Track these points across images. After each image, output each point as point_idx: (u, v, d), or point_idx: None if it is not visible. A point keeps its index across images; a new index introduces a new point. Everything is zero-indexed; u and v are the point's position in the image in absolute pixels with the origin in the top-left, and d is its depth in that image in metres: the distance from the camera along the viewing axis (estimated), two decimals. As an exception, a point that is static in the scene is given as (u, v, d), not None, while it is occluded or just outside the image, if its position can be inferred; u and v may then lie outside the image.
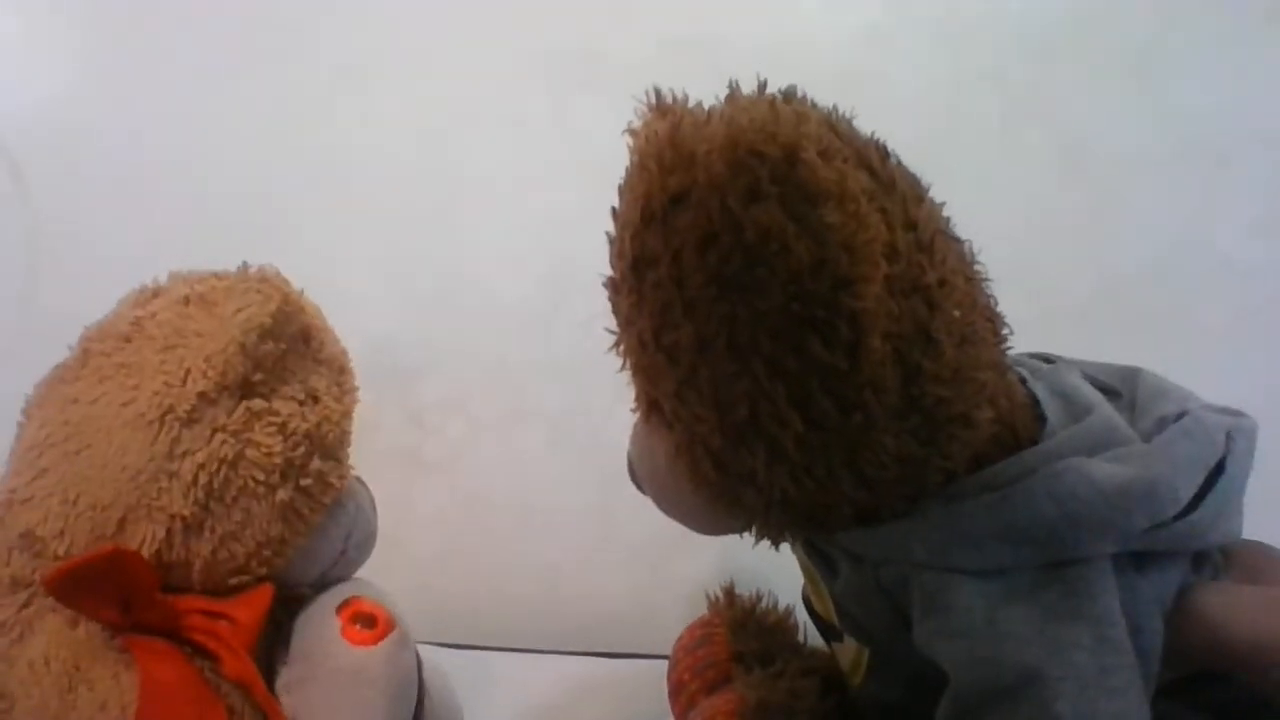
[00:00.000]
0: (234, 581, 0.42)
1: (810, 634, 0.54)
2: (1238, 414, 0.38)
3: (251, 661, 0.40)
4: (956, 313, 0.34)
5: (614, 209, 0.37)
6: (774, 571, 0.55)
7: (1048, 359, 0.42)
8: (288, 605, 0.44)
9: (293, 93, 0.77)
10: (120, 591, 0.39)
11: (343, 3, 0.77)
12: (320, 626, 0.42)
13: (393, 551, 0.69)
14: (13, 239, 0.77)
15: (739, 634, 0.52)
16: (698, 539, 0.64)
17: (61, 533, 0.40)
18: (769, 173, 0.30)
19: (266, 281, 0.43)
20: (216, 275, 0.44)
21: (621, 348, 0.38)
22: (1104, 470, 0.34)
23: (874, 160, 0.33)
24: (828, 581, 0.41)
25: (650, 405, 0.38)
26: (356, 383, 0.47)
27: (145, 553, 0.39)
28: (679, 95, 0.37)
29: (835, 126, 0.34)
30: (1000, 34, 0.71)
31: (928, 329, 0.33)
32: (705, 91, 0.36)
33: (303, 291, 0.45)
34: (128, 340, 0.41)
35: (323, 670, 0.41)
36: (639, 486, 0.42)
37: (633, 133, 0.37)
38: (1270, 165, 0.68)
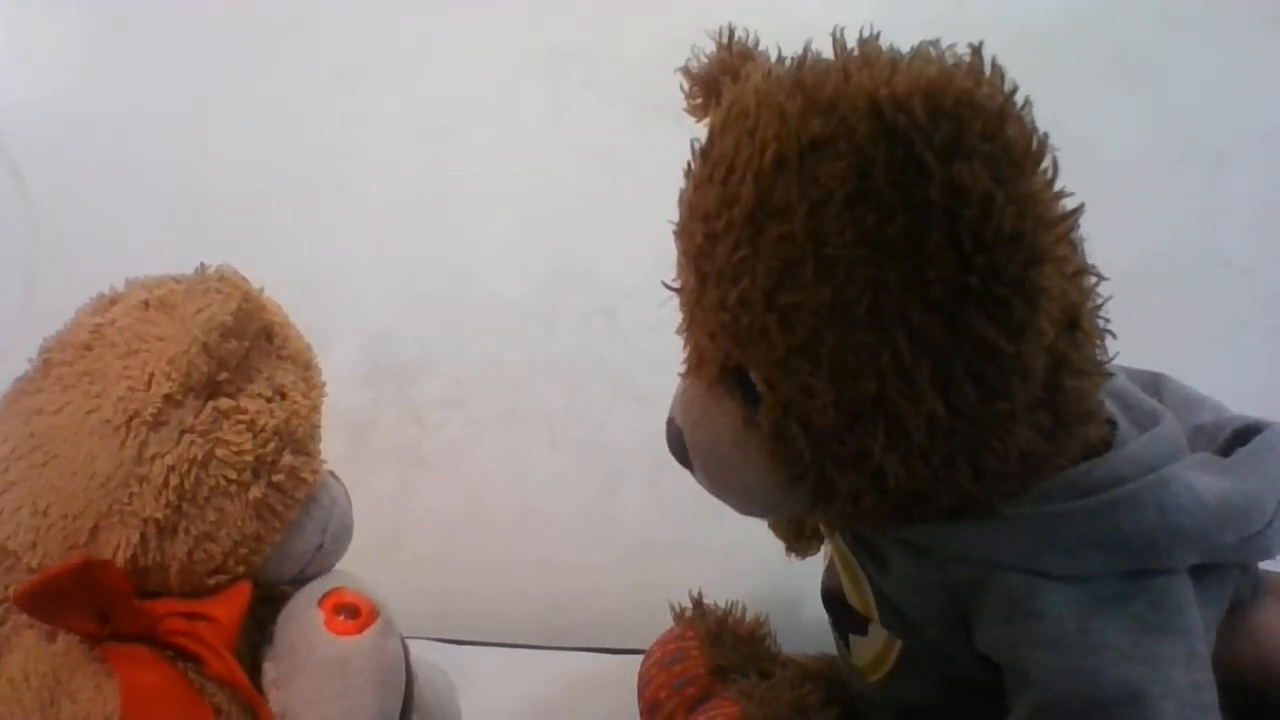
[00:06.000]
0: (212, 581, 0.41)
1: (785, 640, 0.53)
2: None
3: (234, 659, 0.40)
4: (1091, 304, 0.33)
5: (700, 149, 0.34)
6: (778, 571, 0.54)
7: None
8: (270, 603, 0.44)
9: (292, 93, 0.77)
10: (95, 602, 0.39)
11: (342, 3, 0.77)
12: (304, 619, 0.42)
13: (391, 548, 0.69)
14: (12, 238, 0.77)
15: (716, 646, 0.50)
16: (697, 536, 0.64)
17: (34, 545, 0.39)
18: (981, 127, 0.27)
19: (225, 280, 0.42)
20: (174, 279, 0.44)
21: (695, 303, 0.35)
22: (1204, 482, 0.33)
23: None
24: (874, 575, 0.39)
25: (725, 371, 0.35)
26: (323, 377, 0.46)
27: (120, 559, 0.39)
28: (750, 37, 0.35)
29: None
30: (1000, 33, 0.71)
31: (1077, 318, 0.32)
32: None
33: (262, 289, 0.44)
34: (89, 348, 0.41)
35: (308, 662, 0.41)
36: (680, 458, 0.39)
37: (727, 68, 0.34)
38: (1270, 165, 0.68)
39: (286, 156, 0.76)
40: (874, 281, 0.29)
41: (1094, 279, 0.33)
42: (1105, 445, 0.35)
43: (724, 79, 0.36)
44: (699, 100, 0.39)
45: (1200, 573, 0.34)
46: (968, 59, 0.31)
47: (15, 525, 0.40)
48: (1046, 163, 0.30)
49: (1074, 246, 0.32)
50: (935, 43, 0.31)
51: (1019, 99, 0.30)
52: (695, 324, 0.36)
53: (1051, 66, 0.70)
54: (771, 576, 0.58)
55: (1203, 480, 0.33)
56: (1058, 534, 0.33)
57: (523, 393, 0.74)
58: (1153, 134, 0.69)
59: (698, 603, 0.54)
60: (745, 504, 0.39)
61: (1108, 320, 0.35)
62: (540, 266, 0.74)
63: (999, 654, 0.34)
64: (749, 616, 0.53)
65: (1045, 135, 0.30)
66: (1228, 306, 0.67)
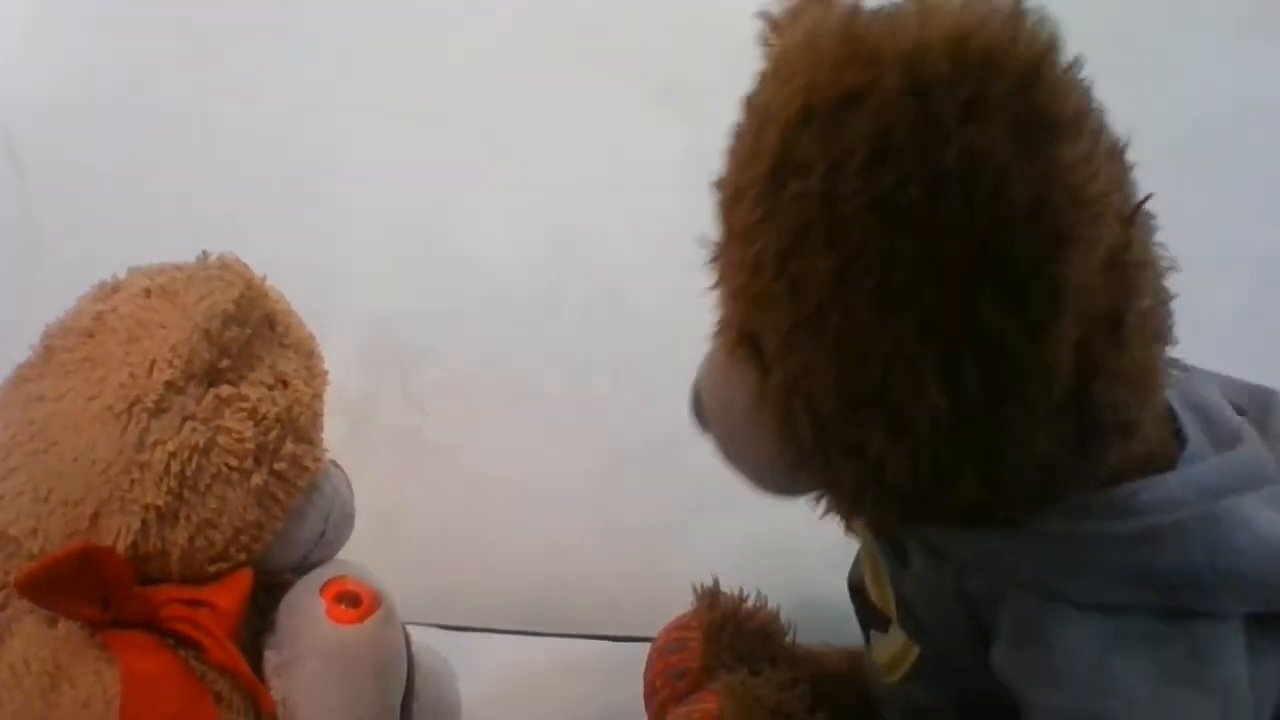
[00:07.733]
0: (213, 569, 0.42)
1: (801, 636, 0.52)
2: None
3: (235, 647, 0.40)
4: (1148, 302, 0.29)
5: (748, 98, 0.31)
6: (775, 561, 0.54)
7: (1179, 365, 0.36)
8: (271, 591, 0.44)
9: (294, 75, 0.76)
10: (96, 588, 0.39)
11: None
12: (305, 608, 0.42)
13: (392, 533, 0.69)
14: (12, 232, 0.77)
15: (714, 644, 0.48)
16: (699, 522, 0.63)
17: (34, 531, 0.39)
18: (1003, 87, 0.25)
19: (228, 268, 0.42)
20: (176, 266, 0.44)
21: (722, 262, 0.32)
22: (1269, 522, 0.30)
23: (1092, 99, 0.28)
24: (894, 571, 0.37)
25: (744, 337, 0.32)
26: (325, 366, 0.46)
27: (121, 545, 0.39)
28: None
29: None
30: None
31: (1121, 318, 0.28)
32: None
33: (265, 277, 0.44)
34: (91, 335, 0.41)
35: (310, 651, 0.41)
36: (700, 424, 0.37)
37: (780, 17, 0.31)
38: (1282, 152, 0.68)
39: (289, 140, 0.76)
40: (884, 254, 0.27)
41: (1152, 275, 0.30)
42: (1169, 464, 0.32)
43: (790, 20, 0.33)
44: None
45: (1267, 623, 0.30)
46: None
47: (16, 511, 0.40)
48: (1096, 136, 0.27)
49: (1124, 232, 0.28)
50: None
51: (1070, 61, 0.27)
52: (722, 282, 0.33)
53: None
54: (773, 564, 0.57)
55: (1268, 520, 0.30)
56: (1085, 556, 0.30)
57: (524, 377, 0.73)
58: (1163, 122, 0.68)
59: (713, 592, 0.51)
60: (756, 479, 0.36)
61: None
62: (543, 250, 0.74)
63: (1006, 679, 0.32)
64: (765, 608, 0.51)
65: (1099, 106, 0.27)
66: (1240, 295, 0.67)
